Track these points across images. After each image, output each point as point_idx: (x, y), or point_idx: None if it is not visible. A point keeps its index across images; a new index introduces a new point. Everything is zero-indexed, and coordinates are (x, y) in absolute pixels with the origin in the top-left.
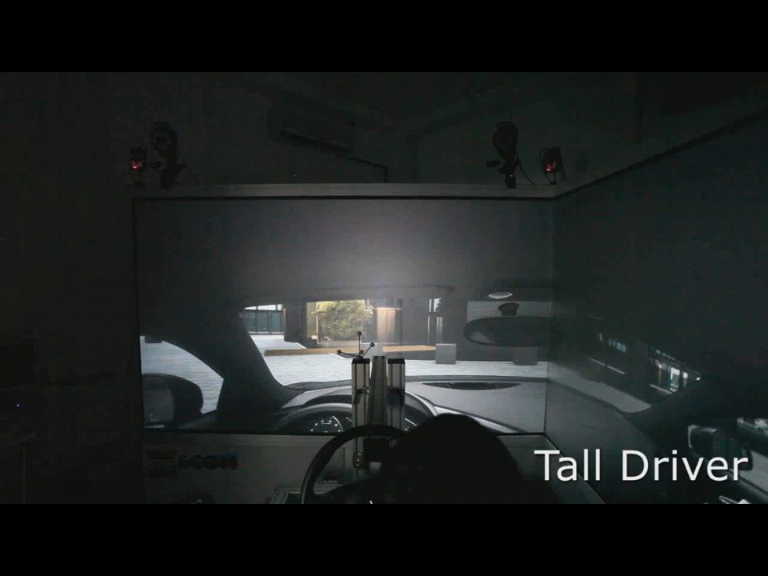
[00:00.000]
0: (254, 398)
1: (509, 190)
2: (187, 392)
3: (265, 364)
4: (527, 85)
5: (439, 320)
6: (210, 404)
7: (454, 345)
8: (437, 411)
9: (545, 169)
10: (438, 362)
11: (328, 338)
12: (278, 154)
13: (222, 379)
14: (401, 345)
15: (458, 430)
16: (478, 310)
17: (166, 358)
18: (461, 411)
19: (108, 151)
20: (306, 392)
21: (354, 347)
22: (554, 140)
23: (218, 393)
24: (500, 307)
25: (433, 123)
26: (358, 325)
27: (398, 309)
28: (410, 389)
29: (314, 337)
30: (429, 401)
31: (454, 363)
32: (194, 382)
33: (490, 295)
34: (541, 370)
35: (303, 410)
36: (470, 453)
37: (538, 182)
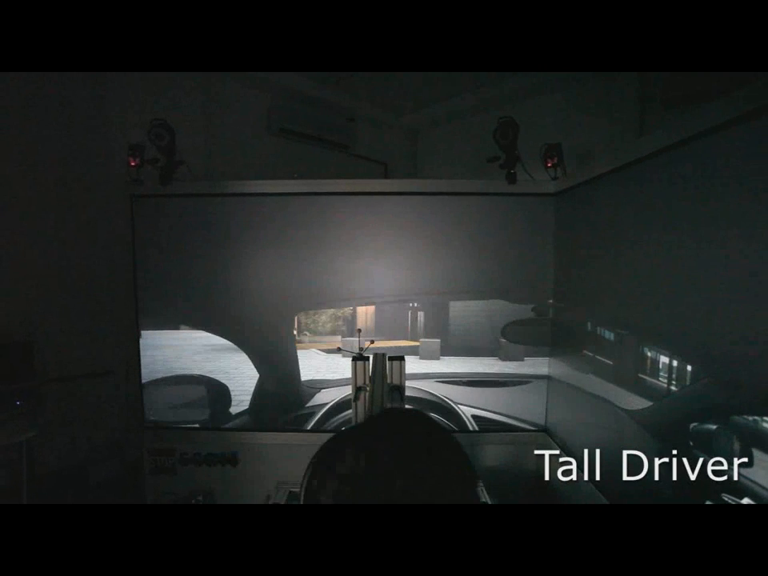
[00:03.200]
0: (286, 396)
1: (509, 185)
2: (220, 391)
3: (297, 363)
4: (528, 81)
5: (420, 314)
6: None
7: (438, 340)
8: (460, 409)
9: (546, 165)
10: (421, 358)
11: (308, 333)
12: (278, 150)
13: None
14: (382, 339)
15: (407, 426)
16: (459, 304)
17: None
18: (477, 407)
19: (107, 150)
20: (323, 390)
21: (334, 342)
22: (555, 136)
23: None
24: (533, 309)
25: (433, 119)
26: (337, 319)
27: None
28: (424, 386)
29: (293, 332)
30: (451, 399)
31: (438, 359)
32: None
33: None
34: (527, 366)
35: (333, 403)
36: (420, 454)
37: (539, 177)
